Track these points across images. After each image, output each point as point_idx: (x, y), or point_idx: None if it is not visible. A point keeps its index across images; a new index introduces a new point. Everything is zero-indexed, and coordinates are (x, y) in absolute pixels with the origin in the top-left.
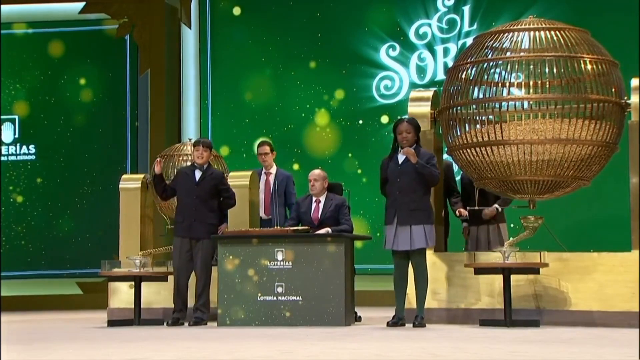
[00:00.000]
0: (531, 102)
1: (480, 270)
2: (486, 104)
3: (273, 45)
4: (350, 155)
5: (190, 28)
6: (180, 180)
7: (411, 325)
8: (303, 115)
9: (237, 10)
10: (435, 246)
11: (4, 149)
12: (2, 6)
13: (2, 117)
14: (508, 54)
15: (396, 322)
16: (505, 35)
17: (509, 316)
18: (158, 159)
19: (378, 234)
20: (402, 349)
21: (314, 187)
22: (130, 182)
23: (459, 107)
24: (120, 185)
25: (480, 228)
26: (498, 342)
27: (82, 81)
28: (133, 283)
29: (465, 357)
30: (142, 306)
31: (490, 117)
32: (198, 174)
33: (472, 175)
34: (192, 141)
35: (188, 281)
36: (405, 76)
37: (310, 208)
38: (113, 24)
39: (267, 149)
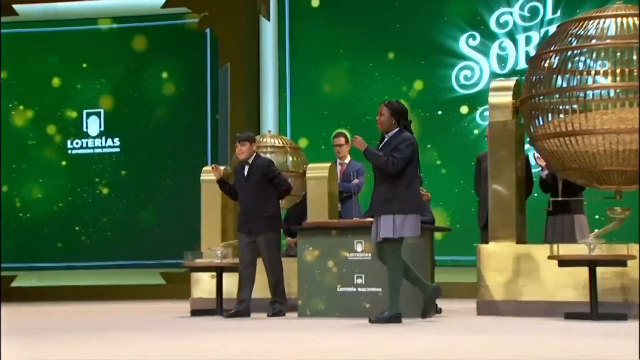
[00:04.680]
0: (618, 91)
1: (564, 263)
2: (570, 93)
3: (351, 36)
4: (429, 146)
5: (269, 21)
6: (236, 178)
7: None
8: None
9: (315, 3)
10: (517, 238)
11: (90, 142)
12: (89, 1)
13: (89, 110)
14: (593, 41)
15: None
16: (591, 22)
17: (595, 309)
18: (213, 166)
19: (458, 226)
20: (480, 341)
21: None
22: (211, 174)
23: (541, 97)
24: (201, 177)
25: (557, 218)
26: (584, 335)
27: (164, 75)
28: (215, 273)
29: (550, 351)
30: (223, 296)
31: (575, 106)
32: (246, 169)
33: (556, 166)
34: (271, 133)
35: (253, 275)
36: (485, 66)
37: None
38: (194, 18)
39: (342, 140)
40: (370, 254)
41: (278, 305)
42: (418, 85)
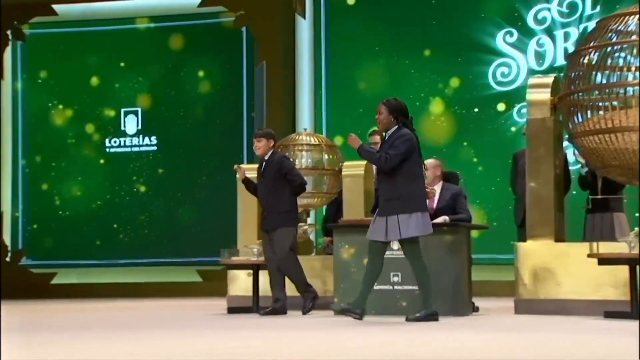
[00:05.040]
0: None
1: (604, 261)
2: (610, 90)
3: (387, 34)
4: (465, 143)
5: (304, 19)
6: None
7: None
8: (417, 104)
9: (351, 0)
10: (555, 236)
11: (128, 140)
12: (127, 1)
13: (126, 109)
14: (634, 37)
15: (346, 309)
16: (631, 17)
17: (636, 308)
18: (237, 166)
19: (495, 224)
20: (518, 339)
21: (424, 176)
22: (247, 172)
23: (580, 93)
24: (237, 175)
25: (596, 216)
26: (624, 334)
27: (201, 73)
28: (251, 271)
29: (587, 350)
30: (260, 294)
31: (614, 102)
32: (263, 166)
33: (596, 164)
34: (307, 131)
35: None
36: (523, 62)
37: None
38: (230, 17)
39: (377, 138)
40: None
41: (307, 295)
42: (454, 82)
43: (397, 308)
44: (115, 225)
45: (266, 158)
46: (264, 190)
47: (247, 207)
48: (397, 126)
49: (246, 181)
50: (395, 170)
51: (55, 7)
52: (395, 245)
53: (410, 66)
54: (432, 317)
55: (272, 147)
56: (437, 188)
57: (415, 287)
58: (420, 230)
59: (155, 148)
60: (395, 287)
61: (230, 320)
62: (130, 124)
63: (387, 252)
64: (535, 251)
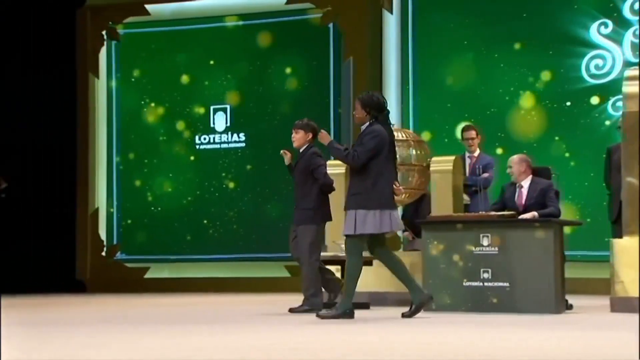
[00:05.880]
0: None
1: None
2: None
3: (475, 27)
4: (557, 138)
5: (391, 14)
6: None
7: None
8: (507, 98)
9: None
10: None
11: (217, 137)
12: (216, 0)
13: (215, 106)
14: None
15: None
16: None
17: None
18: (283, 151)
19: (588, 220)
20: (616, 338)
21: (511, 172)
22: (335, 168)
23: None
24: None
25: None
26: None
27: (288, 70)
28: (339, 267)
29: None
30: None
31: None
32: (298, 159)
33: None
34: (394, 126)
35: (323, 269)
36: (618, 54)
37: (515, 193)
38: (317, 13)
39: (473, 133)
40: (497, 248)
41: (307, 302)
42: (546, 76)
43: (488, 305)
44: (205, 221)
45: (301, 151)
46: (295, 182)
47: (334, 203)
48: (369, 122)
49: (290, 167)
50: (365, 166)
51: (148, 7)
52: (485, 241)
53: (499, 60)
54: (346, 314)
55: (309, 141)
56: (525, 183)
57: (507, 284)
58: (375, 228)
59: (243, 144)
60: (486, 283)
61: (308, 316)
62: (220, 121)
63: (476, 249)
64: (632, 248)
